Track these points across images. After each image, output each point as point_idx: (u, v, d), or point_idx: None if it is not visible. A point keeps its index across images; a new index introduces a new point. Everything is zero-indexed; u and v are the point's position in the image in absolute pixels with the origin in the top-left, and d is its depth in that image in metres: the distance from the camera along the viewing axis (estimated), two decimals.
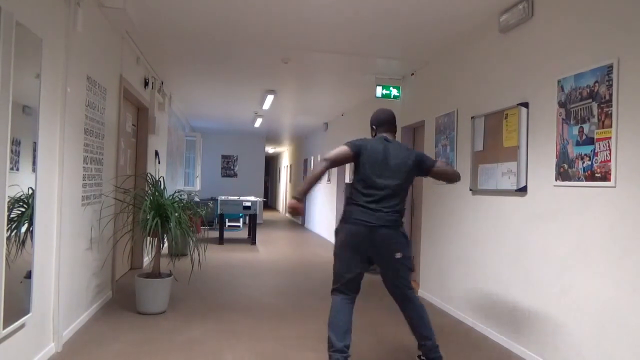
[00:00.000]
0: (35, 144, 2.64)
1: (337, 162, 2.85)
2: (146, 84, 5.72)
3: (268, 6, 3.82)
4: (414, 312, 2.91)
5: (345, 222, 2.86)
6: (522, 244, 3.34)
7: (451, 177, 3.00)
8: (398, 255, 2.82)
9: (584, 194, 2.76)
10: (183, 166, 9.96)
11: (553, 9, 3.14)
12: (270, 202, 22.84)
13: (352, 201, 2.87)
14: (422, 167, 2.95)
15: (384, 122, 3.04)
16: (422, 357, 2.98)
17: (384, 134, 3.01)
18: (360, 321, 3.91)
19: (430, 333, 2.90)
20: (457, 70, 4.48)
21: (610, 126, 2.58)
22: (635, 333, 2.40)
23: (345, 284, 2.86)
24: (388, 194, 2.83)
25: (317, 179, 2.76)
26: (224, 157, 13.89)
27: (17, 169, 2.42)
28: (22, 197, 2.48)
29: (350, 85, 6.67)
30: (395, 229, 2.83)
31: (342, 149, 2.85)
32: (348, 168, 8.47)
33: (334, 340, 2.74)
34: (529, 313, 3.22)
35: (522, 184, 3.32)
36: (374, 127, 3.06)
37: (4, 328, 2.29)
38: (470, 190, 4.05)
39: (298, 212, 2.80)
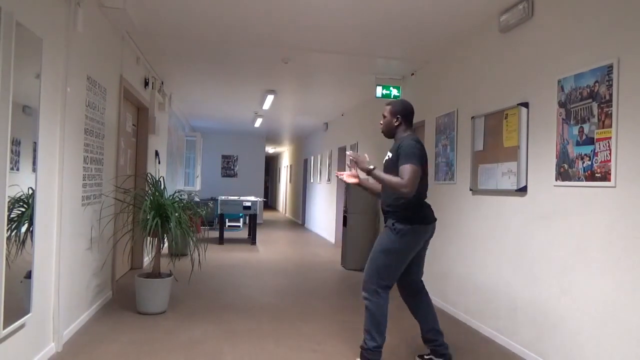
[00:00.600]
0: (35, 144, 2.65)
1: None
2: (146, 84, 5.72)
3: (268, 6, 3.82)
4: (429, 305, 3.01)
5: (420, 222, 2.86)
6: (522, 244, 3.34)
7: None
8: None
9: (584, 194, 2.76)
10: (183, 166, 9.95)
11: (553, 9, 3.14)
12: (270, 202, 22.83)
13: (418, 200, 2.86)
14: None
15: (408, 115, 3.04)
16: (426, 357, 2.99)
17: (414, 132, 3.05)
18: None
19: (439, 328, 2.98)
20: (457, 70, 4.48)
21: (610, 126, 2.58)
22: (636, 332, 2.40)
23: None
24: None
25: (389, 187, 2.75)
26: (224, 157, 13.89)
27: (17, 169, 2.42)
28: (22, 197, 2.48)
29: (350, 85, 6.67)
30: None
31: (415, 171, 2.70)
32: (347, 169, 8.45)
33: (381, 337, 2.80)
34: (529, 313, 3.22)
35: (522, 184, 3.32)
36: (398, 116, 3.00)
37: (4, 328, 2.29)
38: (471, 190, 4.05)
39: (358, 182, 2.96)
